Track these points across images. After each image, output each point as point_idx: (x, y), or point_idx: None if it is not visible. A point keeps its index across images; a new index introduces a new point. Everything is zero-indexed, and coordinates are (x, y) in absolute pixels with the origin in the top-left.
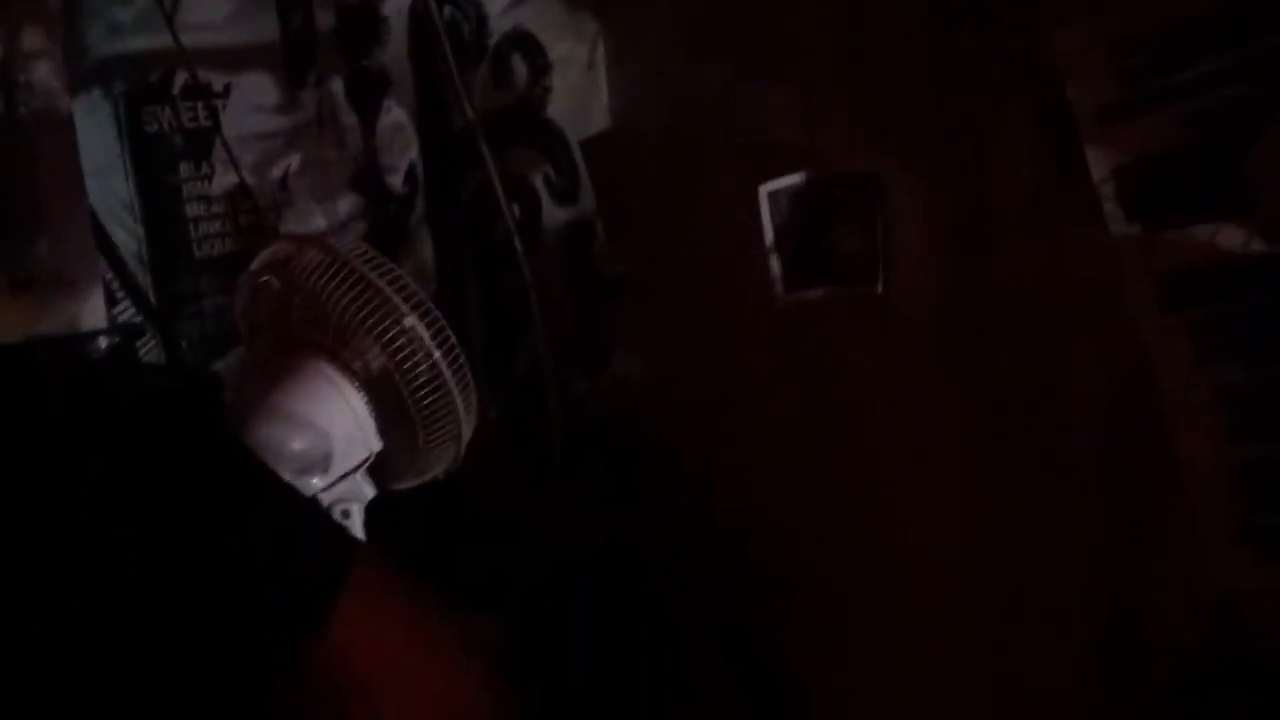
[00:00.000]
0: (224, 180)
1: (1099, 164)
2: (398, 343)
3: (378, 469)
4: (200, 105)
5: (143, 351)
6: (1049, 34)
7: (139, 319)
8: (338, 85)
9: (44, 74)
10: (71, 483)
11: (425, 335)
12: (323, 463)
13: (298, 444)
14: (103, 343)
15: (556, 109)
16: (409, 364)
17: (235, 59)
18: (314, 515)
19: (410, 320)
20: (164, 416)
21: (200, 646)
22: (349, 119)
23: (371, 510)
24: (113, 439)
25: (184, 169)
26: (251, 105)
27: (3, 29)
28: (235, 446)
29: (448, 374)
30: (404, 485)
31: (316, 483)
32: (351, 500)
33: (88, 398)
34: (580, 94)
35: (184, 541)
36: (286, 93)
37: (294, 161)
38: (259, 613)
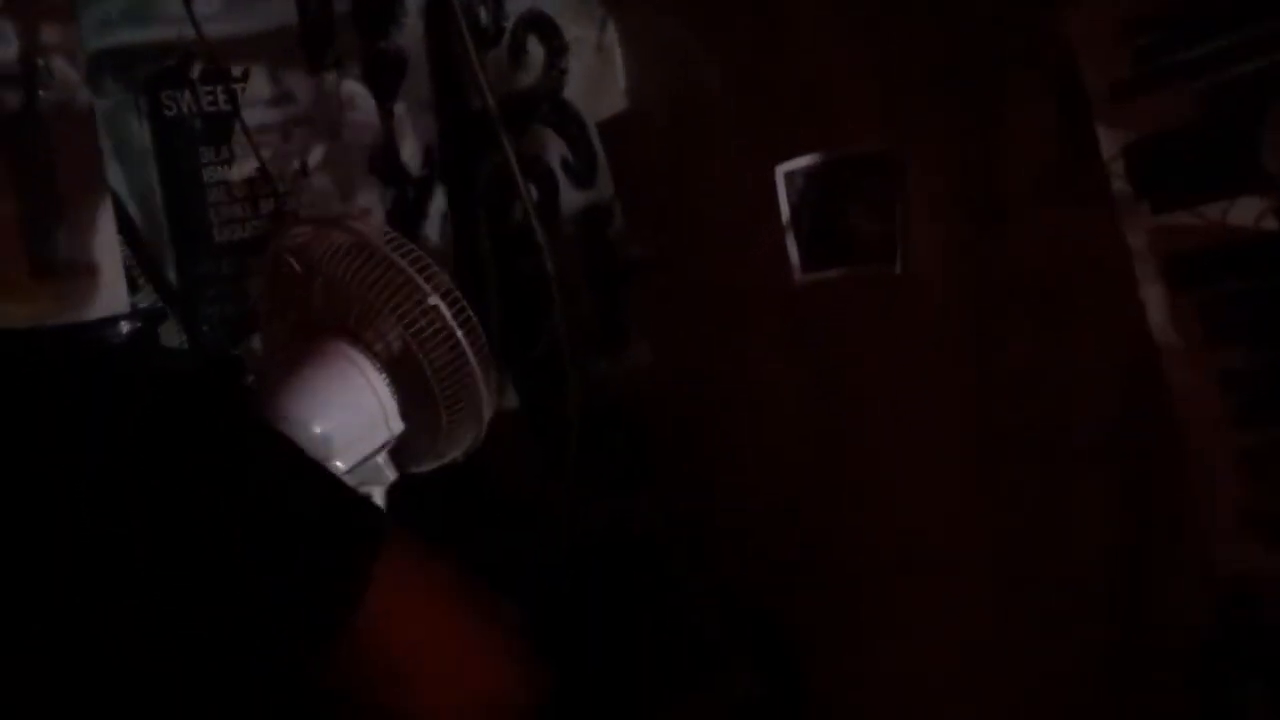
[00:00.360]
0: (244, 165)
1: (1109, 142)
2: (420, 323)
3: (397, 451)
4: (219, 89)
5: (164, 337)
6: (1060, 13)
7: (160, 304)
8: (355, 69)
9: (62, 65)
10: (89, 467)
11: (448, 315)
12: (345, 446)
13: (319, 427)
14: (124, 327)
15: (573, 91)
16: (432, 344)
17: (245, 48)
18: (345, 492)
19: (434, 300)
20: (186, 397)
21: (233, 631)
22: (366, 102)
23: (391, 493)
24: (132, 422)
25: (204, 154)
26: (267, 91)
27: (20, 22)
28: (259, 426)
29: (471, 354)
30: (424, 468)
31: (339, 465)
32: (373, 483)
33: (104, 381)
34: (596, 76)
35: (212, 522)
36: (303, 78)
37: (312, 146)
38: (294, 593)
